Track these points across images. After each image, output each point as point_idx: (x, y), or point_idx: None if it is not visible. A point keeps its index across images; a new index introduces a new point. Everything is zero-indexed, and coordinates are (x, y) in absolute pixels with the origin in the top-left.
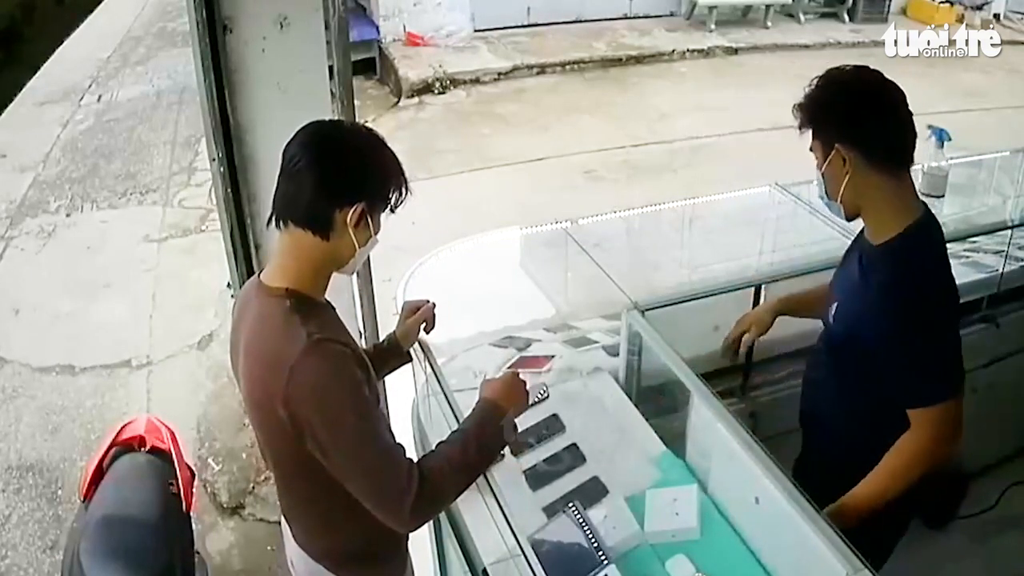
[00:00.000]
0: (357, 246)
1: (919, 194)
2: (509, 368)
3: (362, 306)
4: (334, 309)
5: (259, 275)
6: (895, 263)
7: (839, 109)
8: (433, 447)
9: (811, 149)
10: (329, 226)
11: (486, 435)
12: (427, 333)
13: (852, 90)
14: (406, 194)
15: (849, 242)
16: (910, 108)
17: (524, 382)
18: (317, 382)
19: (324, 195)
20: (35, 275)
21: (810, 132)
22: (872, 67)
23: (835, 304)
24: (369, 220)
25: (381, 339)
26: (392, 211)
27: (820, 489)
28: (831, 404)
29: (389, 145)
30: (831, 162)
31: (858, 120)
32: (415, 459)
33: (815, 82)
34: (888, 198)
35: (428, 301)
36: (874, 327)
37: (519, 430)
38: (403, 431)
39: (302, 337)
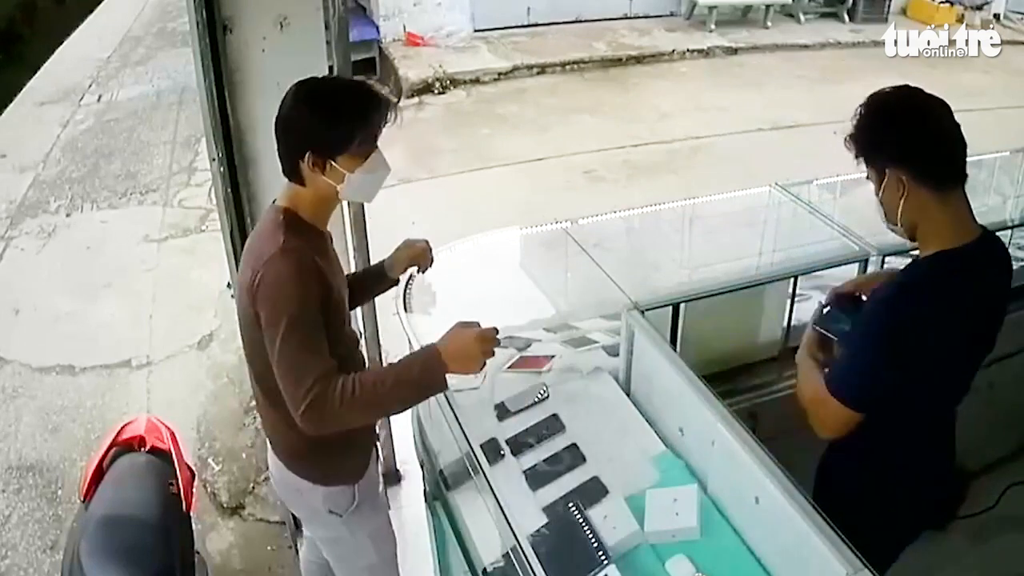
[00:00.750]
0: (333, 185)
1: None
2: (509, 368)
3: (362, 306)
4: (331, 239)
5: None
6: (906, 275)
7: (885, 133)
8: (434, 446)
9: (868, 178)
10: (299, 174)
11: (411, 376)
12: (420, 272)
13: (895, 112)
14: (380, 124)
15: (848, 241)
16: (957, 121)
17: (491, 345)
18: (275, 281)
19: (286, 143)
20: (35, 275)
21: (864, 161)
22: (913, 85)
23: None
24: (333, 164)
25: (371, 264)
26: (361, 147)
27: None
28: None
29: (367, 87)
30: (886, 187)
31: (905, 140)
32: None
33: (859, 110)
34: (940, 216)
35: (426, 241)
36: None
37: (518, 430)
38: (403, 431)
39: (278, 243)
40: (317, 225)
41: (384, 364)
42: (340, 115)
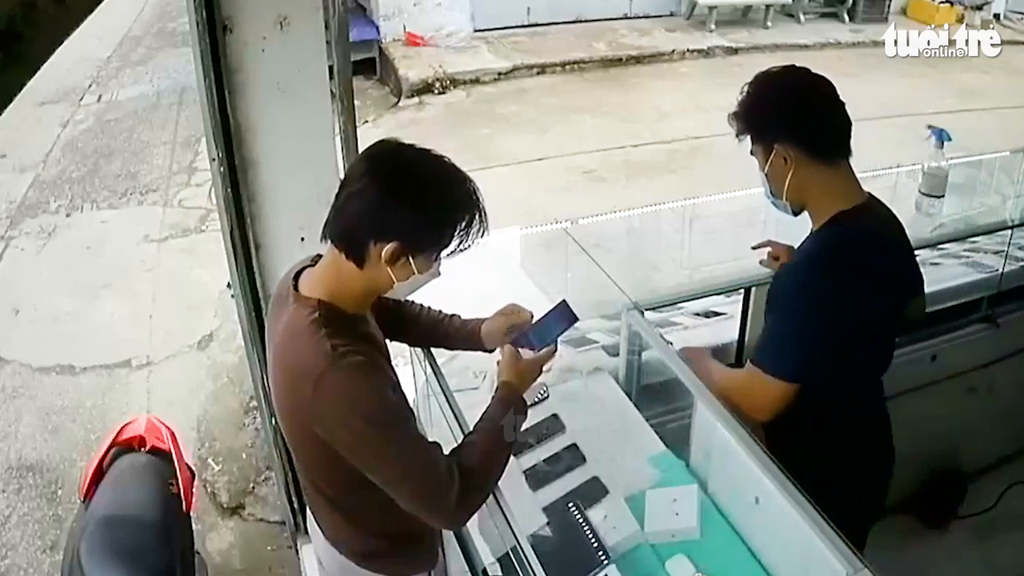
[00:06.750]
0: (395, 280)
1: (851, 184)
2: None
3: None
4: (369, 316)
5: (295, 277)
6: (814, 243)
7: (775, 109)
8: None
9: (752, 153)
10: (363, 256)
11: (503, 413)
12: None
13: (785, 90)
14: (474, 238)
15: None
16: (842, 99)
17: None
18: (337, 400)
19: (365, 224)
20: (35, 275)
21: (749, 138)
22: (799, 65)
23: None
24: (411, 260)
25: (466, 320)
26: (452, 255)
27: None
28: None
29: (468, 184)
30: (772, 162)
31: (794, 117)
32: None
33: (747, 88)
34: (828, 188)
35: (530, 313)
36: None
37: (520, 430)
38: None
39: (324, 352)
40: (359, 312)
41: None
42: (452, 212)
